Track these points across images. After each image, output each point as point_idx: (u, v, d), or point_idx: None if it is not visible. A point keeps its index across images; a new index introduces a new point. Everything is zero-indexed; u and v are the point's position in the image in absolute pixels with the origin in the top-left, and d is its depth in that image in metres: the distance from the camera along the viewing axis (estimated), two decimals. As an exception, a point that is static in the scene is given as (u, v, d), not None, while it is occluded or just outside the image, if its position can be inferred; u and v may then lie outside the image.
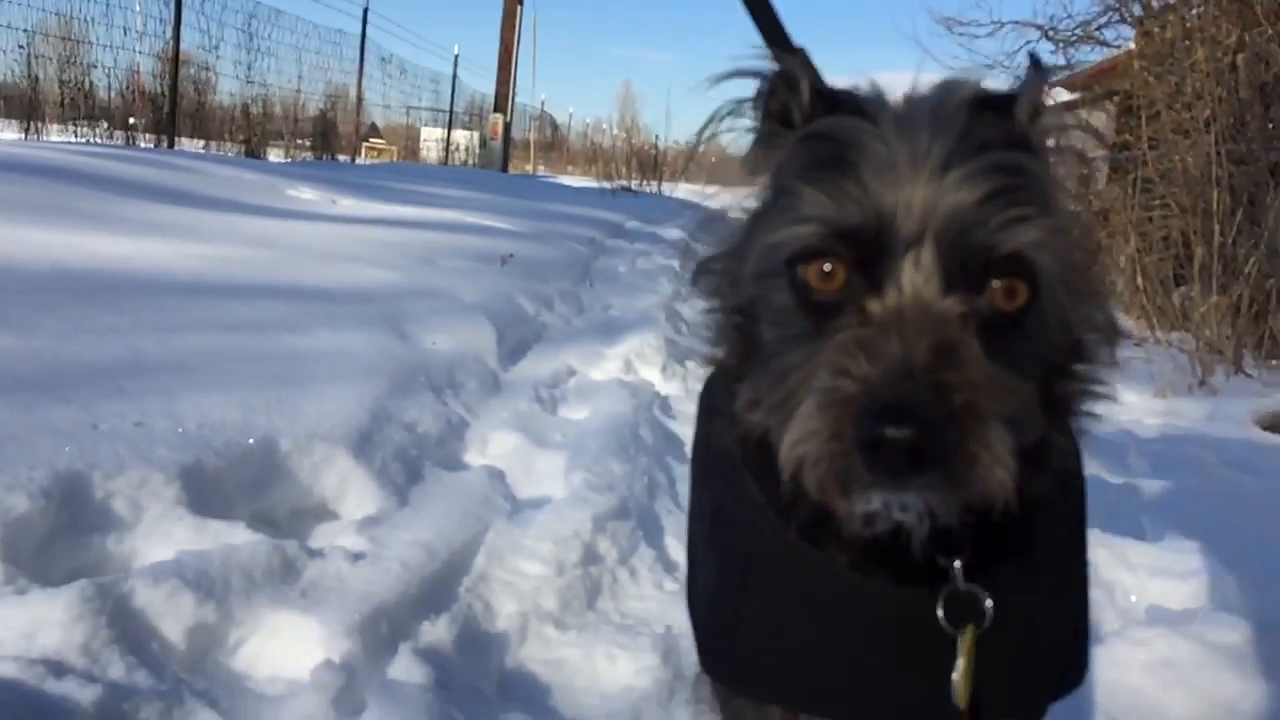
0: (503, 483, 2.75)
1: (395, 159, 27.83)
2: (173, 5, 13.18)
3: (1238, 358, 5.95)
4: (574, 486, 2.74)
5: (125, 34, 12.48)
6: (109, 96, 12.87)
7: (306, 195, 7.95)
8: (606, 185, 20.25)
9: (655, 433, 3.48)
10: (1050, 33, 9.83)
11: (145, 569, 1.74)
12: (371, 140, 29.42)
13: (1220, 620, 2.13)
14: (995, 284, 0.80)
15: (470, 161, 24.54)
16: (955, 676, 0.90)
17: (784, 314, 0.85)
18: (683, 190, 23.80)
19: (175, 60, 13.53)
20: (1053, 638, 0.99)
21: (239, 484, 2.19)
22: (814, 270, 0.82)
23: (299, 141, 17.67)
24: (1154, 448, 4.19)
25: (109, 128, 12.58)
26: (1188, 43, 7.47)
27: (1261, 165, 6.55)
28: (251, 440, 2.29)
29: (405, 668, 1.72)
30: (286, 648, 1.71)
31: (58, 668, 1.45)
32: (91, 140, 11.78)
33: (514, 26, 23.27)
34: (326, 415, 2.59)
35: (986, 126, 0.84)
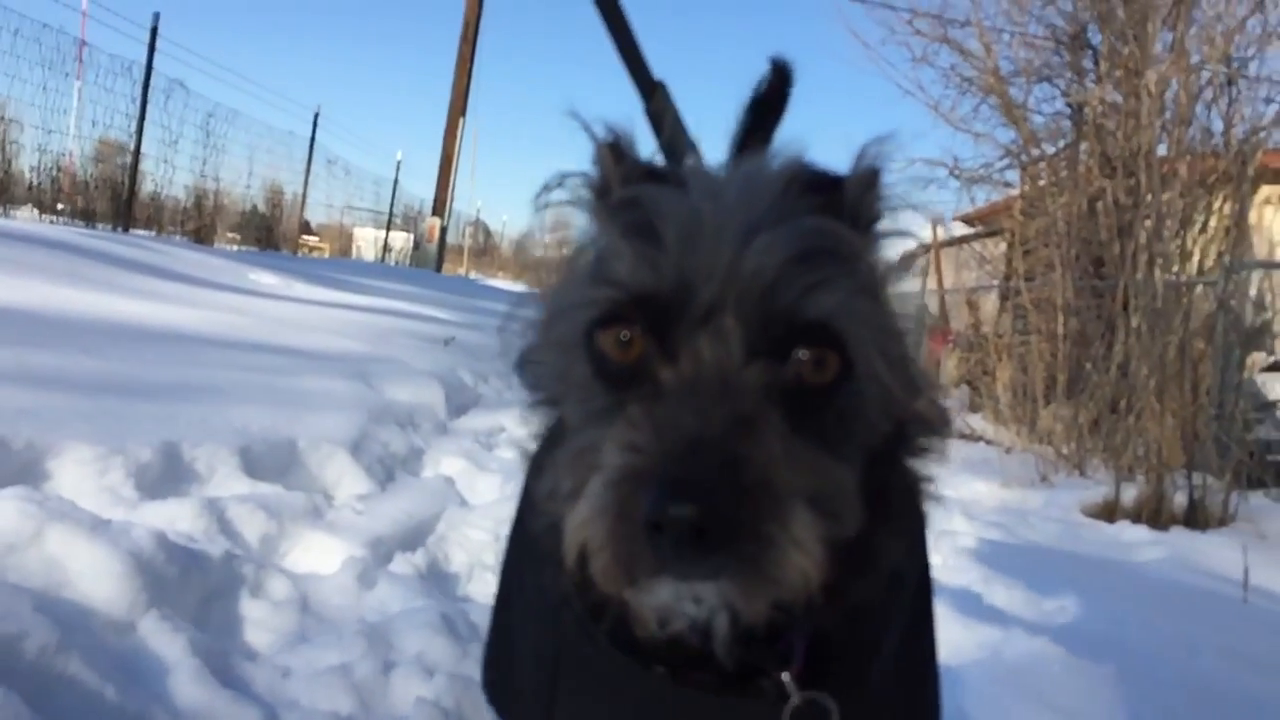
0: (454, 488, 3.69)
1: (328, 256, 28.68)
2: (139, 103, 14.18)
3: (1081, 462, 6.91)
4: (506, 494, 3.68)
5: (55, 120, 12.79)
6: (35, 179, 13.25)
7: (267, 280, 8.84)
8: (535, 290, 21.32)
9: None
10: (956, 171, 10.73)
11: (226, 498, 2.66)
12: (305, 237, 30.27)
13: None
14: (802, 354, 0.75)
15: (404, 262, 25.48)
16: None
17: (584, 388, 0.80)
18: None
19: (136, 153, 14.42)
20: None
21: (273, 464, 3.11)
22: (610, 338, 0.77)
23: (232, 234, 18.43)
24: (988, 518, 5.35)
25: (69, 211, 13.29)
26: (1055, 189, 8.85)
27: (1117, 296, 7.18)
28: (280, 436, 3.22)
29: (398, 569, 2.65)
30: (323, 552, 2.63)
31: (190, 539, 2.35)
32: (55, 222, 12.50)
33: (455, 137, 24.59)
34: (326, 428, 3.53)
35: (805, 199, 0.79)
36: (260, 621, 2.23)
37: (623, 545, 0.69)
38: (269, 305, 6.71)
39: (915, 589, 0.98)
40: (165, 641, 1.94)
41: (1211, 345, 6.78)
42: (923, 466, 0.89)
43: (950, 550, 4.19)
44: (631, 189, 0.81)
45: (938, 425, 0.89)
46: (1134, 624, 3.39)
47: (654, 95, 1.28)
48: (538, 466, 0.88)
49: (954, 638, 2.93)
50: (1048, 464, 6.98)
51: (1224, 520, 5.64)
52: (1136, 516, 5.65)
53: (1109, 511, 5.87)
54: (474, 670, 2.17)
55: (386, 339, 6.59)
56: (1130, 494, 5.79)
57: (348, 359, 5.21)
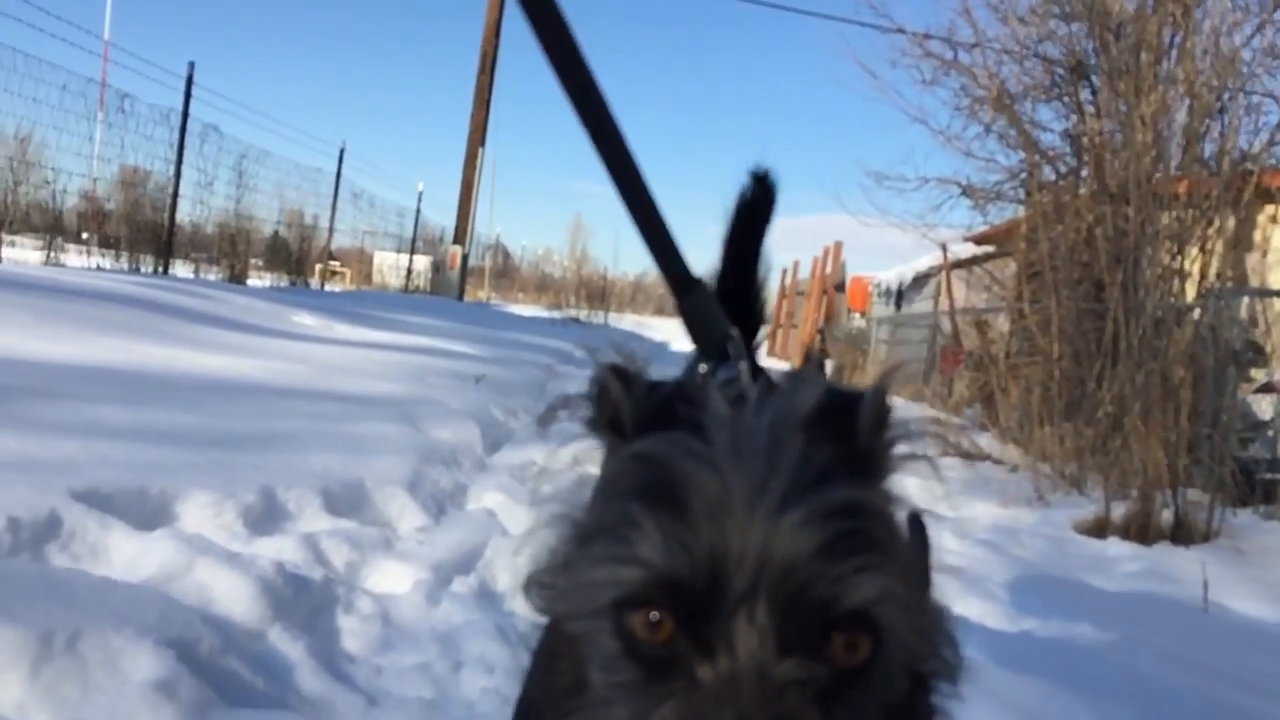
0: (496, 519, 4.27)
1: (349, 279, 29.52)
2: (176, 146, 14.99)
3: (1080, 482, 7.28)
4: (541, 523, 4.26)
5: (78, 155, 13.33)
6: (59, 211, 13.78)
7: (308, 321, 9.52)
8: (556, 315, 21.94)
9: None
10: (968, 190, 10.99)
11: (317, 532, 3.25)
12: (329, 262, 31.20)
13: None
14: (836, 640, 0.75)
15: (425, 286, 26.16)
16: None
17: (610, 660, 0.78)
18: (629, 321, 25.36)
19: (175, 195, 15.23)
20: None
21: (348, 503, 3.71)
22: (640, 620, 0.76)
23: (255, 259, 19.02)
24: (979, 536, 5.84)
25: (117, 254, 14.07)
26: (1054, 216, 9.25)
27: (1111, 320, 7.53)
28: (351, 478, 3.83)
29: (457, 589, 3.23)
30: (395, 576, 3.23)
31: (296, 566, 2.94)
32: (101, 266, 13.29)
33: (475, 167, 25.28)
34: (387, 470, 4.13)
35: (826, 450, 0.77)
36: (353, 631, 2.82)
37: None
38: (318, 350, 7.37)
39: None
40: (288, 646, 2.53)
41: (1198, 369, 7.16)
42: (935, 703, 0.89)
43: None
44: (648, 444, 0.80)
45: (954, 671, 0.89)
46: (1088, 628, 3.91)
47: (690, 292, 1.21)
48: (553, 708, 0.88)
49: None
50: (1046, 483, 7.36)
51: (1208, 536, 6.02)
52: (1125, 533, 5.99)
53: (1100, 528, 6.22)
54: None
55: (422, 379, 7.20)
56: (1121, 511, 6.14)
57: (392, 402, 5.82)
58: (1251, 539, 5.97)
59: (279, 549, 3.00)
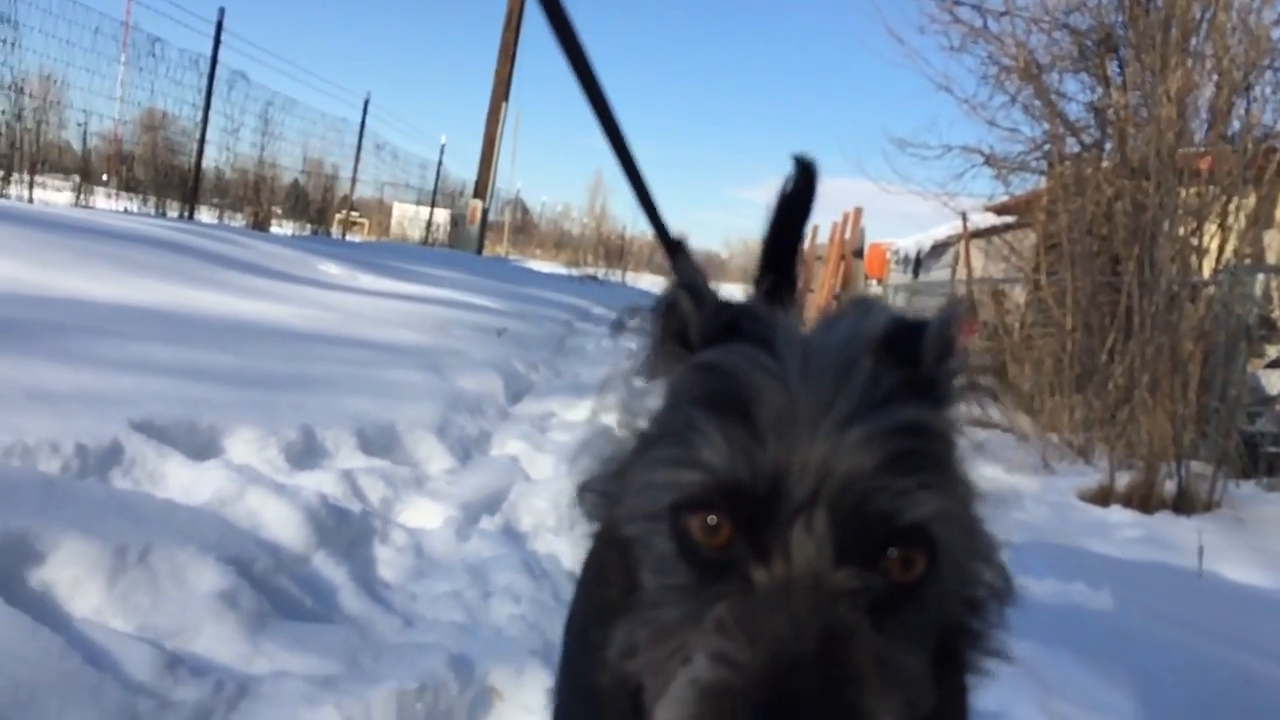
0: (518, 465, 4.46)
1: (367, 230, 29.64)
2: (204, 92, 15.10)
3: (1087, 452, 7.45)
4: (561, 471, 4.43)
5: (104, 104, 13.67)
6: (83, 152, 14.01)
7: (333, 270, 9.69)
8: (574, 273, 22.03)
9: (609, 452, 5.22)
10: (991, 160, 10.93)
11: (354, 469, 3.44)
12: (349, 213, 31.30)
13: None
14: (892, 554, 0.76)
15: (444, 240, 26.26)
16: None
17: (665, 562, 0.79)
18: (646, 281, 25.37)
19: (202, 141, 15.37)
20: None
21: (381, 444, 3.91)
22: (697, 522, 0.77)
23: (277, 211, 19.25)
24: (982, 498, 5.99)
25: (144, 198, 14.26)
26: (1076, 188, 9.28)
27: (1131, 295, 7.53)
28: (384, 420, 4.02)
29: (484, 526, 3.43)
30: (427, 513, 3.43)
31: (333, 497, 3.14)
32: (128, 210, 13.47)
33: (497, 122, 25.26)
34: (416, 415, 4.32)
35: (892, 374, 0.78)
36: (389, 561, 3.02)
37: None
38: (345, 299, 7.55)
39: None
40: (331, 571, 2.74)
41: (1209, 344, 7.24)
42: (983, 627, 0.90)
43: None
44: (717, 353, 0.81)
45: (1003, 593, 0.90)
46: (1081, 586, 4.08)
47: (677, 253, 1.23)
48: (603, 613, 0.88)
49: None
50: (1053, 452, 7.48)
51: (1209, 506, 6.16)
52: (1128, 501, 6.11)
53: (1103, 496, 6.35)
54: (548, 599, 2.94)
55: (446, 330, 7.38)
56: (1125, 481, 6.27)
57: (418, 351, 6.01)
58: (1252, 509, 6.08)
59: (319, 483, 3.20)
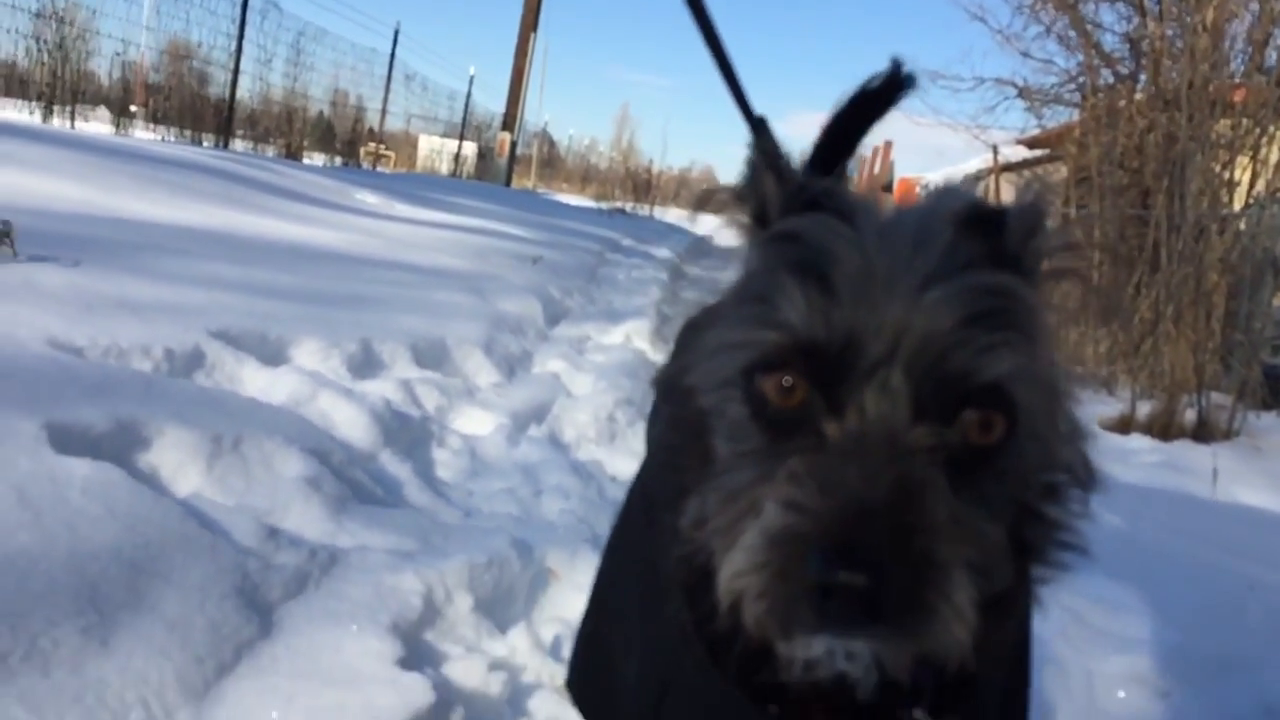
0: (559, 382, 4.69)
1: (394, 163, 29.74)
2: (238, 21, 15.17)
3: (1110, 384, 7.33)
4: (600, 389, 4.68)
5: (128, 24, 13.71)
6: (109, 82, 14.26)
7: (370, 199, 9.88)
8: (603, 206, 22.07)
9: (645, 373, 5.44)
10: (1024, 92, 10.93)
11: (411, 379, 3.69)
12: (378, 145, 31.34)
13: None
14: (969, 415, 0.74)
15: (470, 173, 26.29)
16: None
17: (738, 427, 0.79)
18: (673, 215, 25.35)
19: (236, 70, 15.47)
20: None
21: (433, 358, 4.15)
22: (772, 383, 0.76)
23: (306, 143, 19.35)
24: None
25: (180, 129, 14.45)
26: (1109, 119, 9.21)
27: (1159, 228, 7.45)
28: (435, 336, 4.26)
29: (532, 434, 3.67)
30: (479, 421, 3.68)
31: (394, 402, 3.38)
32: (166, 139, 13.68)
33: (526, 53, 25.08)
34: (464, 333, 4.55)
35: (975, 244, 0.77)
36: (445, 463, 3.27)
37: (782, 601, 0.70)
38: (387, 226, 7.77)
39: (1025, 650, 1.02)
40: (396, 468, 2.99)
41: (1234, 276, 7.28)
42: (1064, 515, 0.86)
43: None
44: (797, 221, 0.79)
45: (1085, 477, 0.88)
46: (1095, 504, 4.28)
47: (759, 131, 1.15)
48: (675, 492, 0.87)
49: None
50: (1075, 383, 7.61)
51: (1228, 435, 6.29)
52: (1148, 429, 6.21)
53: (1124, 425, 6.46)
54: (594, 496, 3.18)
55: (484, 257, 7.59)
56: (1146, 410, 6.41)
57: (460, 276, 6.23)
58: (1270, 439, 6.20)
59: (380, 390, 3.45)
